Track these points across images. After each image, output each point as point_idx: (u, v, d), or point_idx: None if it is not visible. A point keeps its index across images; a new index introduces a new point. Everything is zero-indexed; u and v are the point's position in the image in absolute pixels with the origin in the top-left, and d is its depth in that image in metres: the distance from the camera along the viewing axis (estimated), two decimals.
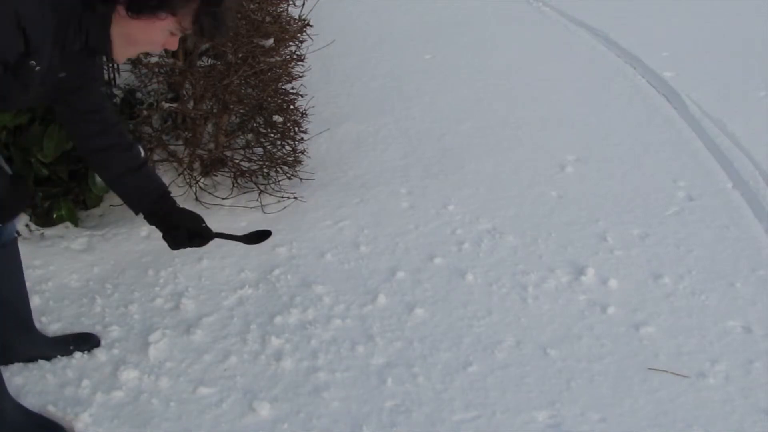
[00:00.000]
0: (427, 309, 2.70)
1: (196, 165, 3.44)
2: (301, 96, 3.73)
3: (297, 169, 3.63)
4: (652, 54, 5.56)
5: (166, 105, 3.31)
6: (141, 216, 2.18)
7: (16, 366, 2.34)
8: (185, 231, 2.14)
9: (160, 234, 2.16)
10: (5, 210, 1.89)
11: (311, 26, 3.71)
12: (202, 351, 2.47)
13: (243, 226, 3.26)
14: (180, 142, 3.42)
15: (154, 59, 3.23)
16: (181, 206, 2.19)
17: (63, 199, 3.10)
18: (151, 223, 2.18)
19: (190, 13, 1.69)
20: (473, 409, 2.24)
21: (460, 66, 5.40)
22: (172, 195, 2.20)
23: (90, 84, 2.00)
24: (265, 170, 3.52)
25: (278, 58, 3.51)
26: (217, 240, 3.17)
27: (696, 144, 4.10)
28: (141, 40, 1.75)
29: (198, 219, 2.18)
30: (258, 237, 2.28)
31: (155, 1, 1.65)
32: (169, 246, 2.17)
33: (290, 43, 3.63)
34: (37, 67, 1.67)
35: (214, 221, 3.25)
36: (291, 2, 3.79)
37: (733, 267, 2.96)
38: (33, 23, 1.59)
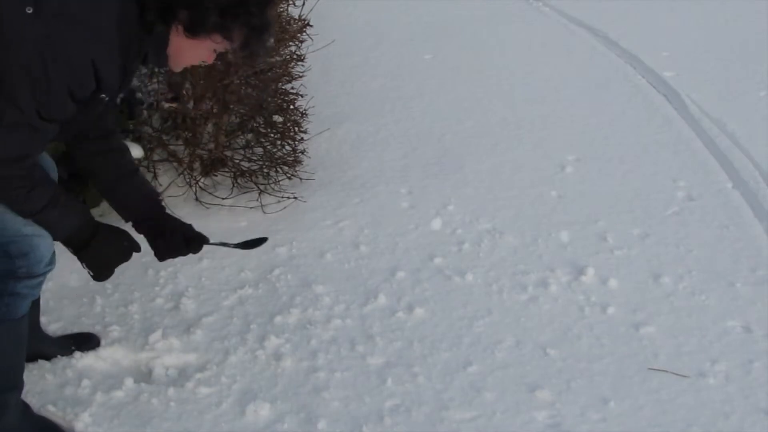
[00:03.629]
0: (427, 309, 2.70)
1: (196, 165, 3.44)
2: (301, 96, 3.73)
3: (297, 169, 3.63)
4: (652, 54, 5.57)
5: (166, 105, 3.31)
6: (118, 212, 2.22)
7: None
8: (181, 236, 2.15)
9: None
10: (108, 270, 2.02)
11: (311, 26, 3.71)
12: (202, 351, 2.47)
13: (243, 226, 3.26)
14: (180, 142, 3.42)
15: None
16: (171, 215, 2.21)
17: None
18: (140, 231, 2.18)
19: (241, 36, 1.79)
20: (473, 409, 2.23)
21: (460, 66, 5.40)
22: (163, 203, 2.22)
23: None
24: (265, 170, 3.53)
25: (278, 58, 3.51)
26: (216, 239, 3.17)
27: (696, 144, 4.10)
28: (188, 55, 1.86)
29: (190, 226, 2.20)
30: (254, 243, 2.28)
31: (212, 25, 1.74)
32: (158, 255, 2.17)
33: (290, 43, 3.63)
34: (107, 99, 1.80)
35: (214, 221, 3.28)
36: (291, 2, 3.79)
37: (733, 267, 2.96)
38: (105, 68, 1.69)
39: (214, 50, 1.83)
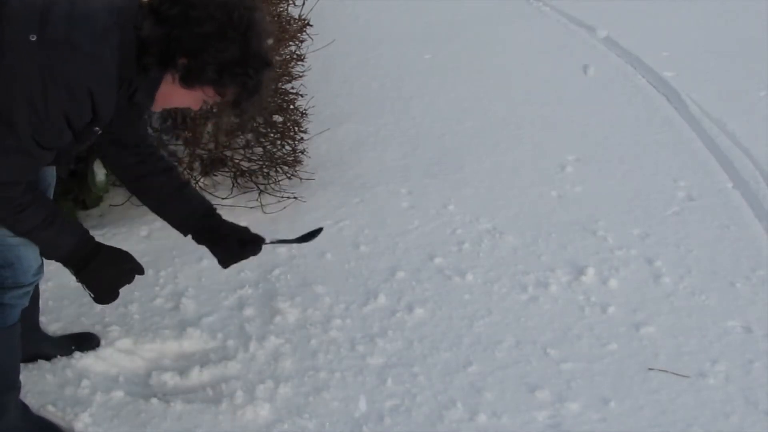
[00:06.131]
0: (427, 309, 2.70)
1: (196, 165, 3.44)
2: (301, 96, 3.73)
3: (297, 169, 3.63)
4: (652, 54, 5.56)
5: None
6: (175, 228, 2.22)
7: None
8: (235, 240, 2.17)
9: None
10: (110, 293, 1.99)
11: (311, 26, 3.71)
12: (202, 351, 2.47)
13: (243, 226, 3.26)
14: (180, 142, 3.42)
15: None
16: (227, 220, 2.23)
17: (63, 198, 3.10)
18: (200, 241, 2.21)
19: (233, 94, 1.78)
20: (473, 409, 2.24)
21: (460, 66, 5.40)
22: (217, 211, 2.24)
23: (134, 123, 2.07)
24: (265, 170, 3.53)
25: (278, 58, 3.51)
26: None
27: (696, 144, 4.10)
28: (177, 101, 1.85)
29: (246, 229, 2.22)
30: (310, 235, 2.29)
31: (208, 79, 1.73)
32: (221, 262, 2.20)
33: (290, 43, 3.63)
34: (99, 131, 1.79)
35: None
36: (291, 2, 3.79)
37: (733, 267, 2.96)
38: (102, 98, 1.69)
39: (203, 100, 1.83)
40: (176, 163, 3.40)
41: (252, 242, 2.18)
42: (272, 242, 2.22)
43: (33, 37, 1.60)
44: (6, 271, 1.87)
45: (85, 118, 1.70)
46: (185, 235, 2.21)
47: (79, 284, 1.97)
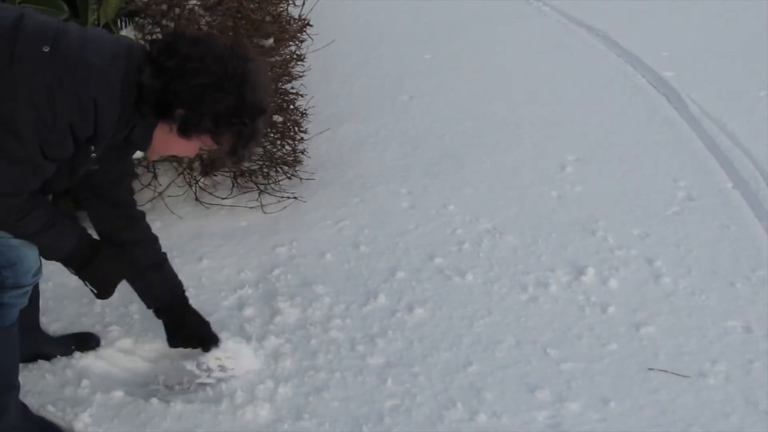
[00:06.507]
0: (427, 309, 2.70)
1: (196, 165, 3.44)
2: (301, 96, 3.73)
3: (297, 168, 3.63)
4: (652, 54, 5.56)
5: None
6: (140, 298, 2.32)
7: None
8: (196, 337, 2.31)
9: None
10: (111, 288, 2.06)
11: (311, 26, 3.71)
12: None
13: (243, 226, 3.26)
14: None
15: None
16: (192, 308, 2.34)
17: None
18: (160, 316, 2.31)
19: (230, 142, 1.83)
20: (473, 409, 2.23)
21: (460, 66, 5.40)
22: (186, 294, 2.34)
23: (122, 179, 2.11)
24: (265, 170, 3.53)
25: (278, 58, 3.51)
26: (216, 239, 3.18)
27: (696, 144, 4.10)
28: (175, 149, 1.91)
29: (207, 323, 2.35)
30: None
31: (205, 129, 1.78)
32: (171, 343, 2.32)
33: (290, 43, 3.63)
34: (93, 154, 1.81)
35: (214, 221, 3.29)
36: (291, 2, 3.79)
37: (733, 267, 2.95)
38: (105, 112, 1.71)
39: (200, 147, 1.88)
40: (184, 170, 3.40)
41: (209, 341, 2.32)
42: (222, 356, 2.33)
43: (46, 49, 1.64)
44: (7, 271, 1.88)
45: (88, 130, 1.72)
46: (149, 308, 2.32)
47: (80, 280, 2.02)
